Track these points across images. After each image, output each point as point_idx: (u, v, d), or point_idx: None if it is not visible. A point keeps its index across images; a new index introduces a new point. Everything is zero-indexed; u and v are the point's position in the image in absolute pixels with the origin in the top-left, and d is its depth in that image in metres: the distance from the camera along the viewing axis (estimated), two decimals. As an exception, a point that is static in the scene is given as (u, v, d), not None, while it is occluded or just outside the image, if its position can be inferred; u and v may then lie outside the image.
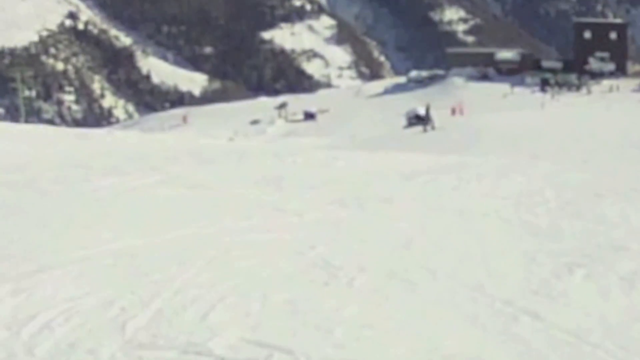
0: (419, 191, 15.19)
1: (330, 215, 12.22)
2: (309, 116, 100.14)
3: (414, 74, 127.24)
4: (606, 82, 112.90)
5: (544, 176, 17.26)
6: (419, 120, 59.80)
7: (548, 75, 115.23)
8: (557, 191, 14.85)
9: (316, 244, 10.02)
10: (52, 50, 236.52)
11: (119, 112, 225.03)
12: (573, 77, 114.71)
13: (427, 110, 46.66)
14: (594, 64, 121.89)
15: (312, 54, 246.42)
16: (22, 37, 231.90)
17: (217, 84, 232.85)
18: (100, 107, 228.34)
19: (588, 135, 38.34)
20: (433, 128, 44.01)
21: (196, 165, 18.29)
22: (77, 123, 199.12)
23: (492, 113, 59.53)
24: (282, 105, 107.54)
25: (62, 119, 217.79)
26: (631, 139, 36.21)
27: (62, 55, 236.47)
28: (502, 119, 49.10)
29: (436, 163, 20.55)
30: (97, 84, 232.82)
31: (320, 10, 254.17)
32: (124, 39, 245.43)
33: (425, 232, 11.07)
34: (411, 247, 10.10)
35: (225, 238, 10.36)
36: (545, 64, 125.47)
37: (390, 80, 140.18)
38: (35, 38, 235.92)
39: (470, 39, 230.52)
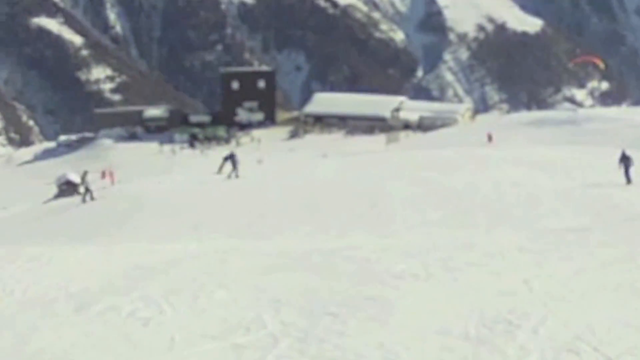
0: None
1: None
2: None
3: (63, 138, 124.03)
4: (255, 133, 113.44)
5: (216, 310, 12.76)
6: (69, 186, 56.34)
7: (196, 130, 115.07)
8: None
9: None
10: None
11: None
12: (222, 130, 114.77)
13: (84, 177, 42.47)
14: (242, 114, 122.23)
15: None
16: None
17: None
18: None
19: (247, 201, 35.92)
20: (92, 198, 40.31)
21: None
22: None
23: (146, 177, 56.86)
24: None
25: None
26: (294, 200, 34.27)
27: None
28: (158, 184, 46.30)
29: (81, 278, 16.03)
30: None
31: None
32: None
33: None
34: None
35: None
36: (194, 118, 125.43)
37: (40, 146, 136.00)
38: None
39: (117, 97, 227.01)
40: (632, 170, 34.75)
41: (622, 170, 34.89)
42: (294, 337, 10.32)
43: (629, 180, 34.41)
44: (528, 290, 12.21)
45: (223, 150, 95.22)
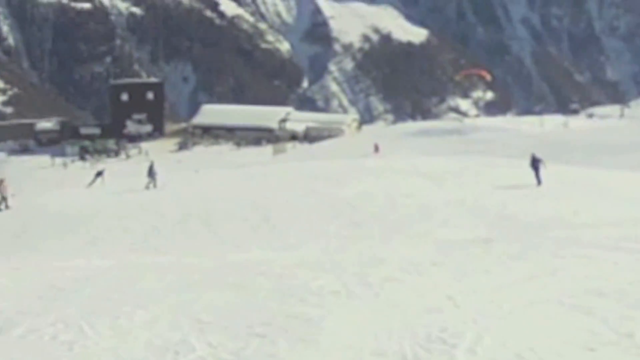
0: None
1: None
2: None
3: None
4: (144, 145, 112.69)
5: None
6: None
7: (87, 143, 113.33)
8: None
9: None
10: None
11: None
12: (111, 143, 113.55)
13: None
14: (131, 126, 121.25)
15: None
16: None
17: None
18: None
19: (141, 214, 35.69)
20: (7, 207, 40.41)
21: None
22: None
23: (39, 191, 55.90)
24: None
25: None
26: (187, 212, 34.27)
27: None
28: (52, 198, 45.51)
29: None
30: None
31: None
32: None
33: None
34: None
35: None
36: (84, 130, 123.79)
37: None
38: None
39: (9, 110, 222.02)
40: (543, 172, 36.78)
41: (533, 173, 36.88)
42: (225, 360, 9.81)
43: (539, 182, 36.51)
44: (454, 307, 11.95)
45: (113, 163, 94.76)
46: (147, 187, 45.19)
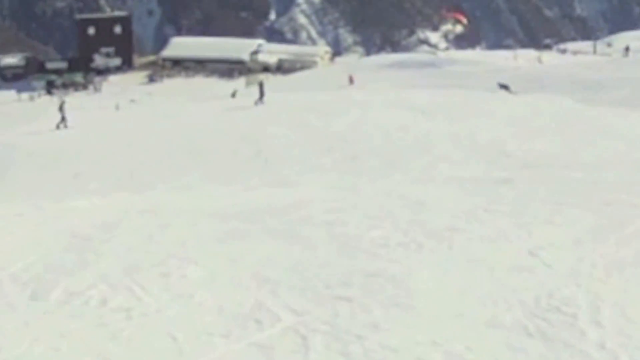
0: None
1: None
2: None
3: None
4: (113, 78, 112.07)
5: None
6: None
7: (53, 77, 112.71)
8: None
9: None
10: None
11: None
12: (79, 76, 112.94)
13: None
14: (99, 60, 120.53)
15: None
16: None
17: None
18: None
19: (124, 148, 34.62)
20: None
21: None
22: None
23: (10, 126, 54.43)
24: None
25: None
26: (174, 146, 33.52)
27: None
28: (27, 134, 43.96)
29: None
30: None
31: None
32: None
33: None
34: None
35: None
36: (50, 65, 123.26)
37: None
38: None
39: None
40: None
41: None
42: (321, 332, 8.44)
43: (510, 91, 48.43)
44: (544, 266, 10.63)
45: (82, 97, 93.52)
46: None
